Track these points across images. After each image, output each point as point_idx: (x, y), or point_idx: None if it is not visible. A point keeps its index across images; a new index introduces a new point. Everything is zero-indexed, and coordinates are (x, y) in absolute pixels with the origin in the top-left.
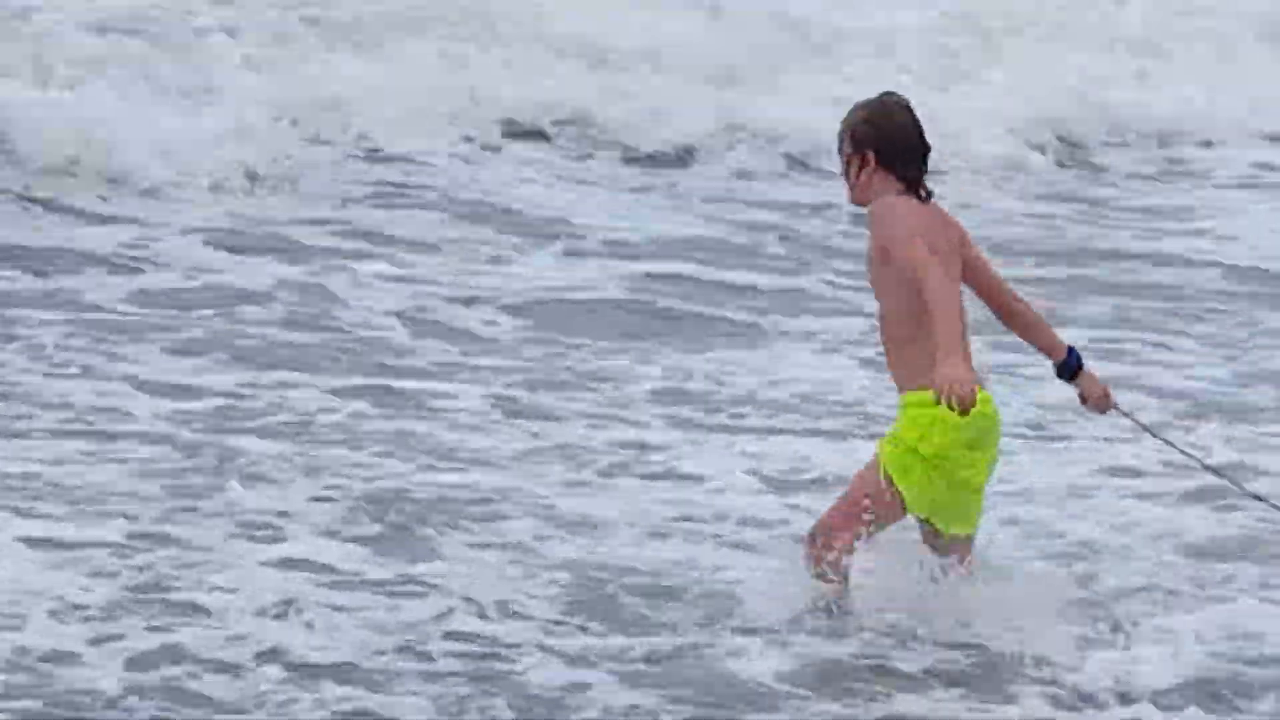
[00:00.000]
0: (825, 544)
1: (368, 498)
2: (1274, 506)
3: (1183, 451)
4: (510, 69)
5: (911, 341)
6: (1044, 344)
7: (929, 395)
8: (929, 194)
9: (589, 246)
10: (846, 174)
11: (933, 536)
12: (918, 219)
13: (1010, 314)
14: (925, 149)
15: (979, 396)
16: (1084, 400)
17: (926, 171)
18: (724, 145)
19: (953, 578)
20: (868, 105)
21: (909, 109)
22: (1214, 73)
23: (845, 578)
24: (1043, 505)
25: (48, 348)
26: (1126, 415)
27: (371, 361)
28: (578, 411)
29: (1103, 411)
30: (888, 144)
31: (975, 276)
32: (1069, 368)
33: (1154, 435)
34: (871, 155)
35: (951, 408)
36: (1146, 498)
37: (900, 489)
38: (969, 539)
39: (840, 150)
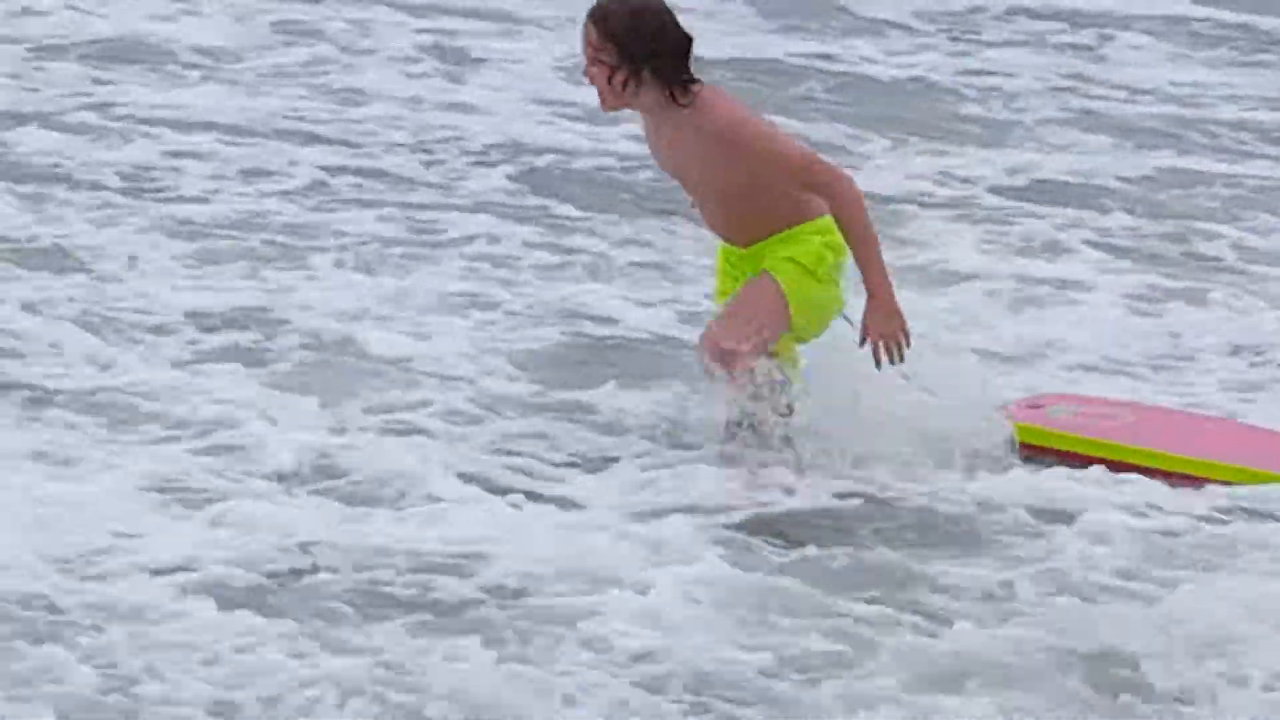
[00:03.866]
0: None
1: None
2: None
3: None
4: None
5: (767, 197)
6: None
7: (815, 224)
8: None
9: None
10: (606, 82)
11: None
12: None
13: None
14: (689, 43)
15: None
16: None
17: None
18: None
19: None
20: (628, 6)
21: (666, 6)
22: None
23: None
24: None
25: None
26: None
27: None
28: None
29: None
30: (658, 52)
31: None
32: None
33: None
34: (645, 68)
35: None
36: None
37: (792, 313)
38: None
39: (588, 50)
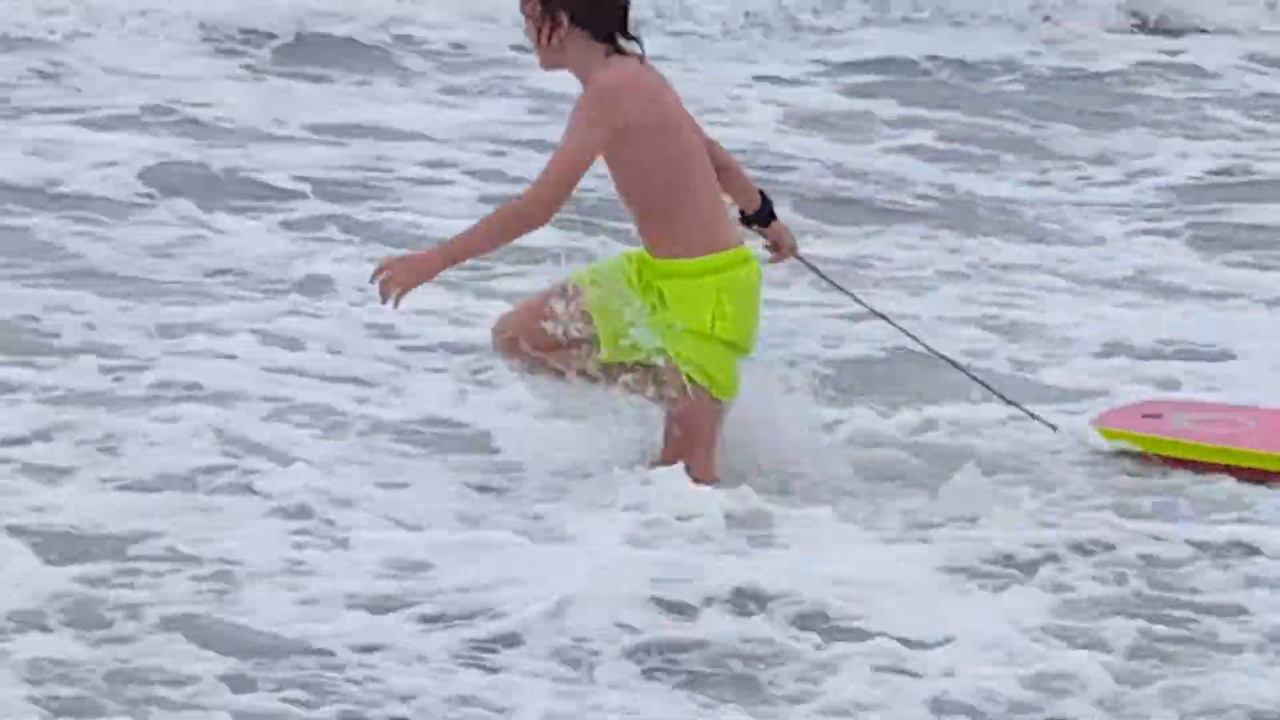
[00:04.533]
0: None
1: None
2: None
3: (874, 311)
4: None
5: (678, 205)
6: (740, 192)
7: (707, 262)
8: (639, 52)
9: None
10: (535, 37)
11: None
12: (635, 102)
13: (721, 168)
14: (624, 3)
15: (743, 253)
16: (773, 249)
17: (628, 28)
18: None
19: None
20: None
21: None
22: None
23: None
24: None
25: None
26: (810, 265)
27: None
28: None
29: (784, 259)
30: (581, 3)
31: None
32: (762, 216)
33: (839, 288)
34: (564, 16)
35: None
36: None
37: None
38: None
39: (523, 9)
